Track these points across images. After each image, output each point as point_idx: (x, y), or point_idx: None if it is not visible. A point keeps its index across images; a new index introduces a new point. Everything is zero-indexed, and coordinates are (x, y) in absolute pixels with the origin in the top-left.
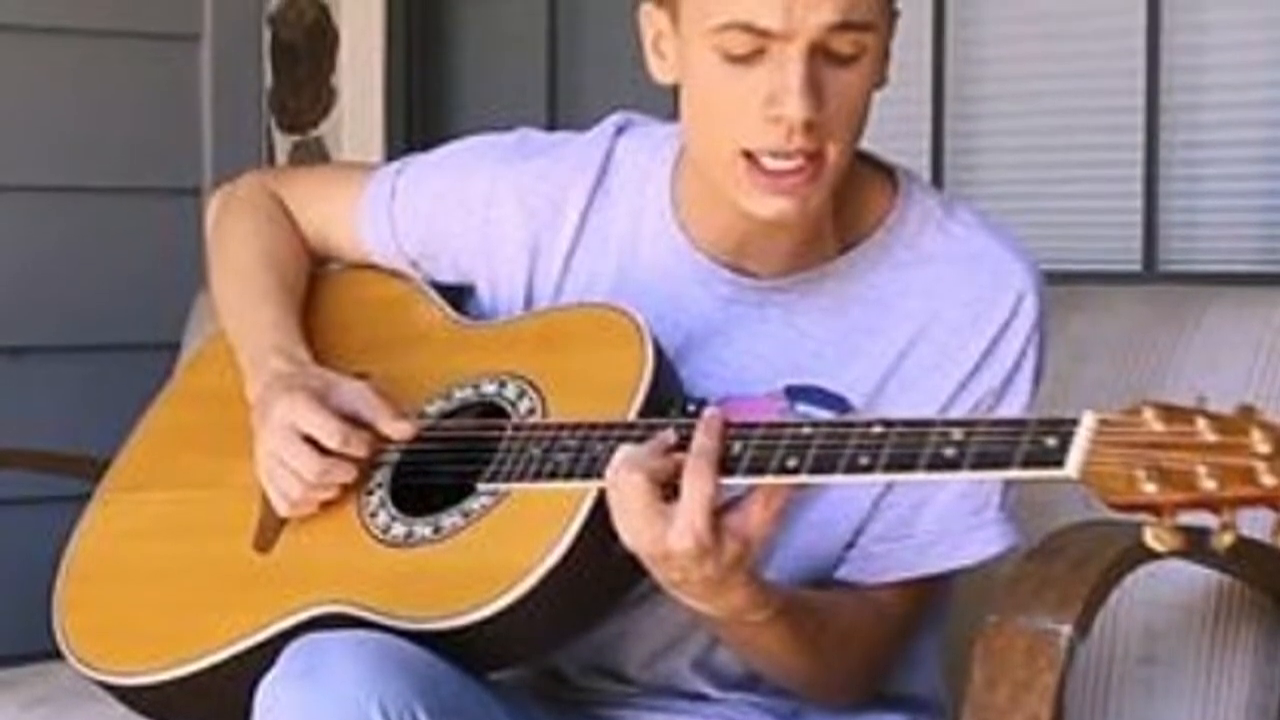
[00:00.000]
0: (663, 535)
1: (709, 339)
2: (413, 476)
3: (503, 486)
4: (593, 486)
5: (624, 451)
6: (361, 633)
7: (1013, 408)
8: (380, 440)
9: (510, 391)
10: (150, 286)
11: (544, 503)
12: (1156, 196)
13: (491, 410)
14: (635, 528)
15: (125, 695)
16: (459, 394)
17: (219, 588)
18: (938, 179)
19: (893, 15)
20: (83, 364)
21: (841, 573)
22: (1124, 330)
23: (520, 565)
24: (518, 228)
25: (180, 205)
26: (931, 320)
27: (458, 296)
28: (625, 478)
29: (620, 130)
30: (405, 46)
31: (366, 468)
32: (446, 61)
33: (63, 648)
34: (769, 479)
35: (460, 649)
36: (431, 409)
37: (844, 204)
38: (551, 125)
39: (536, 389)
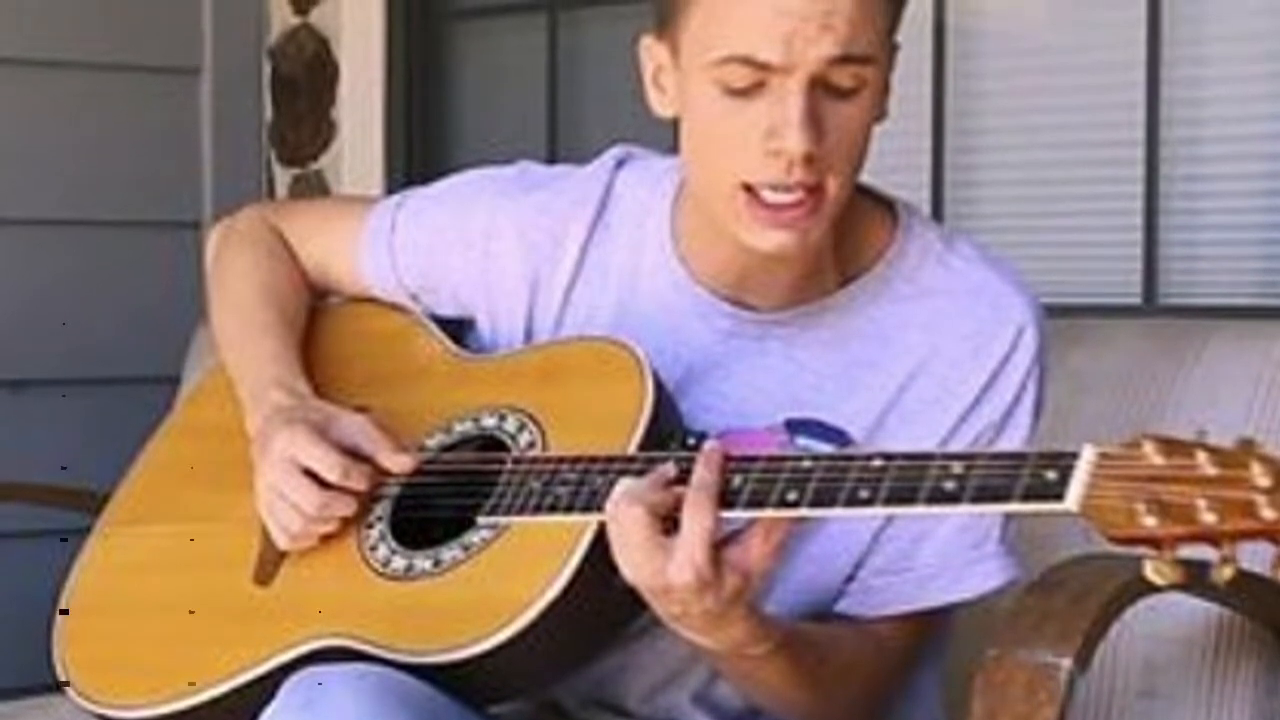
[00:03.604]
0: (663, 569)
1: (709, 372)
2: (413, 510)
3: (503, 520)
4: (593, 520)
5: (624, 485)
6: (362, 666)
7: (1013, 441)
8: (380, 473)
9: (510, 425)
10: (150, 320)
11: (544, 536)
12: (1156, 229)
13: (491, 444)
14: (635, 561)
15: None
16: (459, 427)
17: (219, 621)
18: (938, 212)
19: (893, 49)
20: (83, 397)
21: (841, 606)
22: (1124, 364)
23: (520, 598)
24: (518, 261)
25: (180, 239)
26: (931, 354)
27: (458, 329)
28: (625, 511)
29: (620, 163)
30: (405, 80)
31: (367, 501)
32: (446, 95)
33: (63, 680)
34: (769, 512)
35: (460, 682)
36: (432, 442)
37: (844, 237)
38: (551, 158)
39: (536, 422)
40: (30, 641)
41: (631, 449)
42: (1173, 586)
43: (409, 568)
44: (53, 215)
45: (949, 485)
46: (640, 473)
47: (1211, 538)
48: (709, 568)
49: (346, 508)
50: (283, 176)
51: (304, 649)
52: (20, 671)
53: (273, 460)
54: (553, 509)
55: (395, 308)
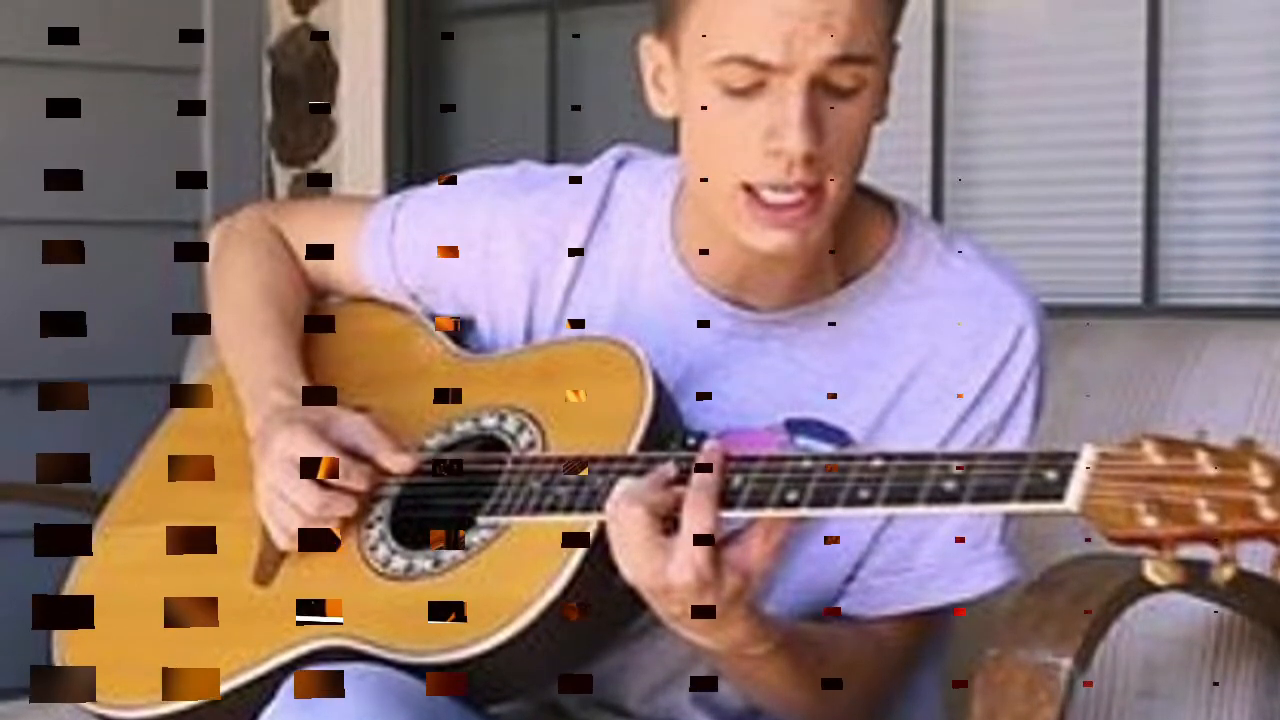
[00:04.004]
0: (663, 569)
1: (709, 372)
2: (413, 510)
3: (502, 520)
4: (593, 520)
5: (624, 485)
6: (361, 666)
7: (1012, 441)
8: (380, 473)
9: (510, 425)
10: (150, 320)
11: (544, 536)
12: (1156, 229)
13: (491, 444)
14: (635, 561)
15: None
16: (459, 427)
17: (219, 621)
18: (938, 212)
19: (893, 49)
20: None
21: (841, 606)
22: (1124, 364)
23: (520, 599)
24: (518, 261)
25: (180, 239)
26: (931, 354)
27: (458, 329)
28: (625, 511)
29: (620, 163)
30: (405, 79)
31: (366, 501)
32: (446, 94)
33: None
34: (769, 512)
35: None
36: (431, 442)
37: (844, 237)
38: (551, 158)
39: (536, 422)
40: (30, 642)
41: (631, 449)
42: (1173, 586)
43: (409, 568)
44: (53, 215)
45: (949, 485)
46: (640, 473)
47: (1211, 538)
48: (709, 568)
49: (346, 508)
50: (282, 176)
51: (304, 649)
52: (20, 671)
53: (273, 460)
54: (553, 509)
55: (395, 308)
